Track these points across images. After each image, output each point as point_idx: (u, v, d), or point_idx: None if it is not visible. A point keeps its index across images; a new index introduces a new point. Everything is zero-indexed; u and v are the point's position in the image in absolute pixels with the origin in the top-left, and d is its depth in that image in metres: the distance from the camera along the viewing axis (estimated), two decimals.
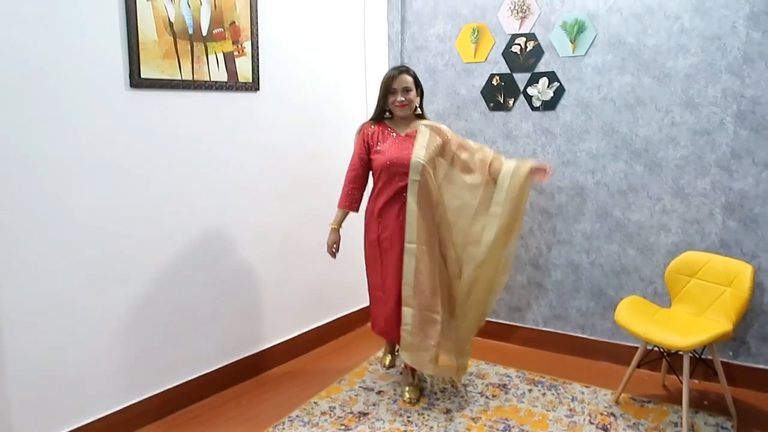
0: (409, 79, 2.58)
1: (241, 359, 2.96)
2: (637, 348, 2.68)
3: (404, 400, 2.78)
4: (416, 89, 2.62)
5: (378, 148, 2.63)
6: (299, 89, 3.13)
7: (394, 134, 2.66)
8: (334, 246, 2.71)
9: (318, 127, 3.25)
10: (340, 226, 2.72)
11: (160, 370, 2.59)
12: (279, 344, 3.16)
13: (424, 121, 2.67)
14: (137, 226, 2.44)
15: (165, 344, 2.60)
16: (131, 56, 2.34)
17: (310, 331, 3.36)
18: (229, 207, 2.82)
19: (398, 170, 2.57)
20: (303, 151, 3.18)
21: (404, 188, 2.56)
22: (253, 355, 3.02)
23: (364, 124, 2.73)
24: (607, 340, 3.18)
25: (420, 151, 2.54)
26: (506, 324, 3.49)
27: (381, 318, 2.74)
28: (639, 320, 2.58)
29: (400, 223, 2.58)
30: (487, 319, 3.52)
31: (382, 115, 2.68)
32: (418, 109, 2.69)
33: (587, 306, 3.23)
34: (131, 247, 2.42)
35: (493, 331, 3.51)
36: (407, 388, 2.82)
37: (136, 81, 2.37)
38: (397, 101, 2.56)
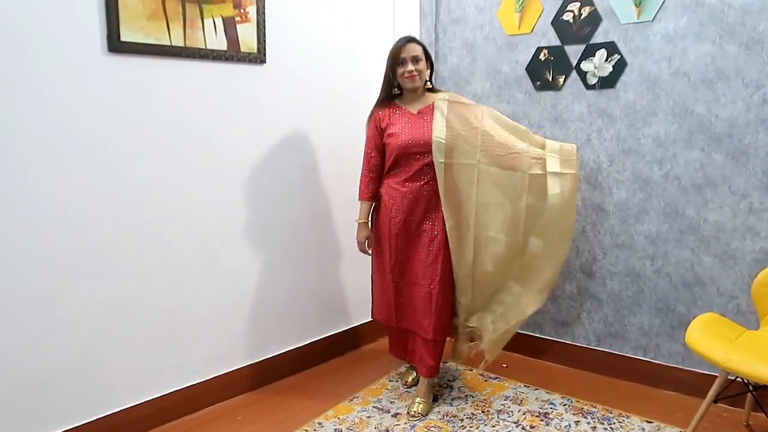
0: (418, 47, 2.36)
1: (238, 369, 2.60)
2: (715, 377, 2.14)
3: (410, 413, 2.43)
4: (426, 60, 2.39)
5: (391, 131, 2.38)
6: (313, 64, 2.75)
7: (406, 113, 2.40)
8: (366, 242, 2.55)
9: (335, 109, 2.87)
10: (368, 219, 2.54)
11: (141, 379, 2.26)
12: (282, 354, 2.79)
13: (440, 95, 2.40)
14: (115, 215, 2.12)
15: (147, 350, 2.27)
16: (109, 15, 2.03)
17: (319, 341, 2.97)
18: (225, 198, 2.47)
19: (415, 151, 2.34)
20: (316, 136, 2.80)
21: (421, 170, 2.36)
22: (252, 365, 2.65)
23: (373, 109, 2.47)
24: (675, 366, 2.64)
25: (440, 130, 2.29)
26: (551, 340, 2.99)
27: (382, 304, 2.57)
28: (717, 344, 2.06)
29: (413, 205, 2.38)
30: (529, 333, 3.05)
31: (391, 92, 2.42)
32: (428, 83, 2.45)
33: (651, 323, 2.69)
34: (107, 239, 2.10)
35: (535, 348, 3.03)
36: (418, 399, 2.49)
37: (115, 44, 2.06)
38: (407, 72, 2.33)
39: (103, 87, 2.05)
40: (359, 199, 2.50)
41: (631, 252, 2.71)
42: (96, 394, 2.13)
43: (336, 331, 3.06)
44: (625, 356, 2.77)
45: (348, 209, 2.91)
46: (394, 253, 2.41)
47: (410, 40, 2.35)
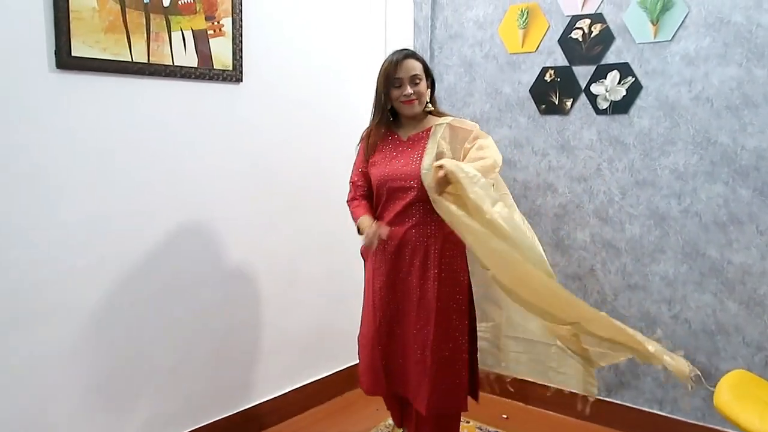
0: (417, 64, 1.93)
1: (213, 422, 2.30)
2: None
3: None
4: (426, 79, 1.97)
5: (374, 158, 2.02)
6: (296, 82, 2.49)
7: (395, 139, 2.02)
8: (373, 227, 1.90)
9: (320, 133, 2.61)
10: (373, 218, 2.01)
11: None
12: (265, 403, 2.50)
13: (442, 118, 1.98)
14: (67, 251, 1.84)
15: (104, 403, 1.98)
16: (58, 27, 1.78)
17: (305, 386, 2.68)
18: (195, 233, 2.20)
19: (396, 186, 1.94)
20: (300, 160, 2.54)
21: (406, 210, 1.94)
22: (230, 416, 2.36)
23: (367, 129, 2.09)
24: (695, 422, 2.37)
25: (429, 159, 1.84)
26: (557, 389, 2.71)
27: (367, 369, 2.05)
28: (752, 409, 1.78)
29: (398, 253, 1.97)
30: (530, 380, 2.78)
31: (385, 118, 2.02)
32: (429, 105, 2.01)
33: (667, 374, 2.42)
34: (58, 277, 1.83)
35: (538, 397, 2.74)
36: None
37: (65, 60, 1.80)
38: (404, 96, 1.91)
39: (50, 109, 1.79)
40: (356, 218, 2.03)
41: (645, 294, 2.45)
42: None
43: (325, 374, 2.77)
44: (638, 409, 2.50)
45: (336, 237, 2.66)
46: (380, 310, 1.99)
47: (408, 55, 1.93)
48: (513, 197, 2.71)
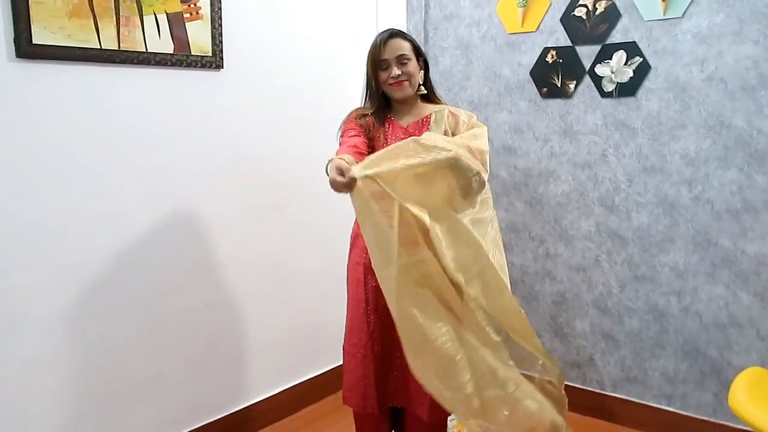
0: (404, 44, 1.78)
1: (202, 426, 2.19)
2: None
3: None
4: (417, 59, 1.82)
5: (374, 144, 1.83)
6: (281, 68, 2.34)
7: (397, 127, 1.85)
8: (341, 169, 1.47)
9: (307, 121, 2.46)
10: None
11: None
12: (256, 404, 2.39)
13: (438, 107, 1.84)
14: (30, 256, 1.71)
15: (79, 417, 1.86)
16: (16, 13, 1.62)
17: (298, 385, 2.57)
18: (177, 231, 2.06)
19: None
20: (287, 150, 2.40)
21: None
22: (219, 419, 2.25)
23: (355, 110, 1.90)
24: (705, 419, 2.27)
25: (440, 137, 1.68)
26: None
27: (354, 381, 1.85)
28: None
29: None
30: (534, 374, 2.68)
31: (380, 104, 1.84)
32: (422, 88, 1.86)
33: (677, 368, 2.32)
34: (22, 287, 1.69)
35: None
36: None
37: (25, 49, 1.65)
38: (392, 78, 1.77)
39: (10, 101, 1.64)
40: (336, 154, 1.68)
41: (654, 286, 2.33)
42: None
43: (318, 372, 2.66)
44: (646, 405, 2.40)
45: (325, 234, 2.53)
46: (375, 312, 1.82)
47: (393, 34, 1.79)
48: (513, 185, 2.61)
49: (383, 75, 1.79)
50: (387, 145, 1.78)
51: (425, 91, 1.87)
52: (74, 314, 1.81)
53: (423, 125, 1.82)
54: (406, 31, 1.89)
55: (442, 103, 1.89)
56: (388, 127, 1.85)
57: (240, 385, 2.34)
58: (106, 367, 1.91)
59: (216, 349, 2.23)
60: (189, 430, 2.16)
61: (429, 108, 1.86)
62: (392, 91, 1.81)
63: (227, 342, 2.27)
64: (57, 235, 1.76)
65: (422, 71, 1.85)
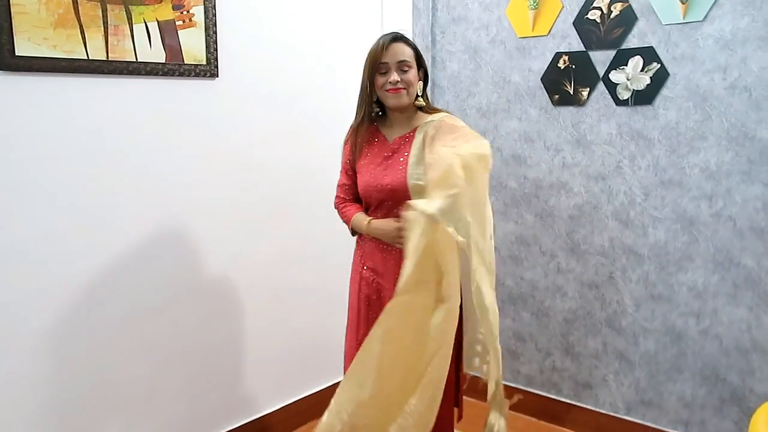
0: (406, 50, 1.70)
1: None
2: None
3: None
4: (417, 68, 1.74)
5: (361, 162, 1.79)
6: (279, 76, 2.26)
7: (382, 141, 1.79)
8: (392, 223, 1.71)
9: (307, 132, 2.38)
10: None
11: None
12: (252, 422, 2.32)
13: (432, 116, 1.74)
14: (14, 270, 1.66)
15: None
16: None
17: (297, 402, 2.50)
18: (173, 241, 2.00)
19: (380, 198, 1.74)
20: (284, 161, 2.32)
21: (399, 217, 1.66)
22: None
23: (351, 127, 1.85)
24: None
25: (414, 167, 1.64)
26: (569, 404, 2.50)
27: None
28: None
29: (385, 263, 1.77)
30: (544, 393, 2.57)
31: (370, 111, 1.78)
32: (420, 99, 1.77)
33: (695, 393, 2.19)
34: (7, 302, 1.65)
35: (551, 411, 2.54)
36: None
37: (8, 61, 1.60)
38: (390, 83, 1.68)
39: None
40: (349, 222, 1.84)
41: (671, 306, 2.20)
42: None
43: (319, 388, 2.58)
44: (662, 430, 2.27)
45: (326, 246, 2.45)
46: (364, 323, 1.80)
47: (397, 38, 1.71)
48: (523, 197, 2.50)
49: (381, 80, 1.71)
50: (369, 160, 1.78)
51: (423, 103, 1.78)
52: (61, 331, 1.76)
53: (409, 140, 1.74)
54: (411, 36, 1.81)
55: (441, 111, 1.78)
56: (377, 143, 1.79)
57: (233, 404, 2.28)
58: (94, 385, 1.85)
59: (210, 365, 2.17)
60: None
61: (421, 119, 1.76)
62: (387, 98, 1.72)
63: (223, 357, 2.21)
64: (45, 248, 1.71)
65: (421, 82, 1.76)
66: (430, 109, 1.79)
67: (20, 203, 1.65)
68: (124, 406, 1.93)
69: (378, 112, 1.81)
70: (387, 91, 1.70)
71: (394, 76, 1.68)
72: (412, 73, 1.71)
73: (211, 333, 2.15)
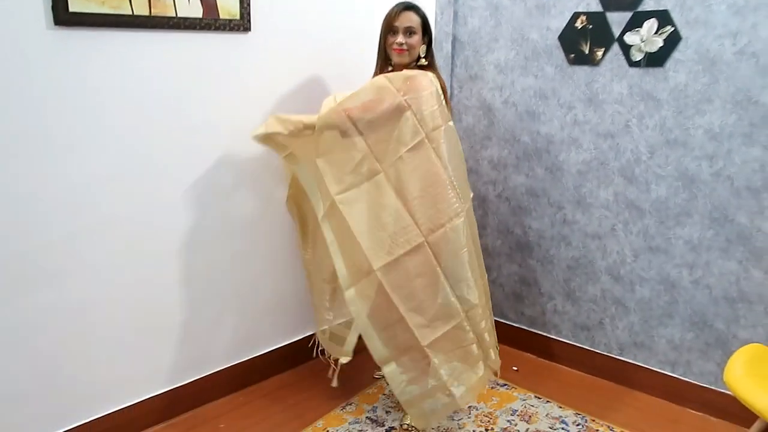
0: (414, 17, 2.08)
1: (219, 371, 2.39)
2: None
3: (402, 427, 2.23)
4: (422, 35, 2.10)
5: None
6: (310, 30, 2.36)
7: None
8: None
9: (337, 85, 2.48)
10: None
11: (111, 387, 2.07)
12: (271, 352, 2.57)
13: (408, 70, 2.05)
14: (72, 212, 1.86)
15: (116, 356, 2.06)
16: None
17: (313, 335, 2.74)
18: (202, 190, 2.18)
19: None
20: (316, 113, 2.43)
21: None
22: (236, 365, 2.45)
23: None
24: (707, 386, 2.35)
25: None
26: (568, 344, 2.72)
27: None
28: (762, 389, 1.75)
29: None
30: (544, 333, 2.79)
31: (384, 65, 2.16)
32: (422, 60, 2.11)
33: (683, 337, 2.39)
34: (64, 239, 1.85)
35: (550, 350, 2.77)
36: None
37: (63, 16, 1.72)
38: (396, 43, 2.07)
39: (50, 67, 1.73)
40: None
41: (667, 258, 2.37)
42: (58, 405, 1.94)
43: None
44: (650, 369, 2.49)
45: None
46: None
47: (408, 7, 2.08)
48: (535, 151, 2.63)
49: (390, 39, 2.09)
50: None
51: (426, 63, 2.11)
52: (114, 261, 1.98)
53: None
54: (417, 5, 2.10)
55: (433, 71, 2.07)
56: None
57: (254, 333, 2.52)
58: (140, 311, 2.09)
59: (234, 298, 2.40)
60: (214, 371, 2.37)
61: None
62: (393, 55, 2.10)
63: (244, 291, 2.43)
64: (96, 190, 1.90)
65: (424, 45, 2.10)
66: (428, 68, 2.09)
67: (75, 147, 1.82)
68: (165, 327, 2.17)
69: (390, 69, 2.13)
70: (393, 50, 2.08)
71: (400, 38, 2.06)
72: (416, 38, 2.07)
73: (239, 270, 2.36)
